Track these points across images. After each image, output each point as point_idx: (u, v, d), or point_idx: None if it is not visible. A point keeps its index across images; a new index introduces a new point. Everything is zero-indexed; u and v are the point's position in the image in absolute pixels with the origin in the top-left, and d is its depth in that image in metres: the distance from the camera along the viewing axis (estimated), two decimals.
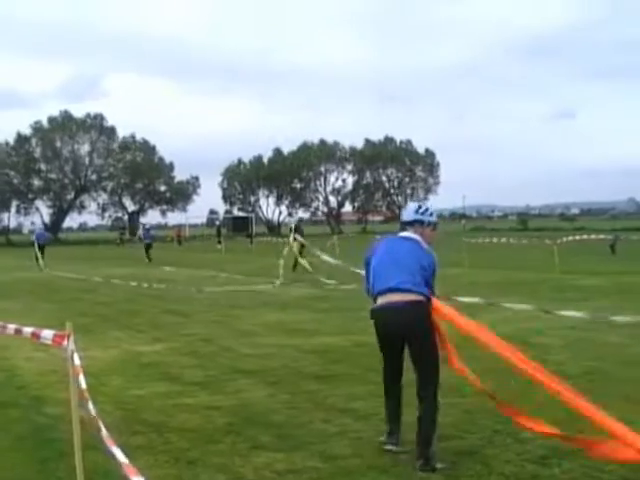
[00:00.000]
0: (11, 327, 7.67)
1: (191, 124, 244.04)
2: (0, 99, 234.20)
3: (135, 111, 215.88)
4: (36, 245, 40.52)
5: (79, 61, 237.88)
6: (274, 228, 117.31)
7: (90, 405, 5.27)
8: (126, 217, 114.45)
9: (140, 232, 49.23)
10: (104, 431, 4.91)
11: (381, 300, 6.42)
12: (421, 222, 6.66)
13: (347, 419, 7.77)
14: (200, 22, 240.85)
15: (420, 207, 6.78)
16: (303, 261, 28.98)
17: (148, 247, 43.69)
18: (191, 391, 9.20)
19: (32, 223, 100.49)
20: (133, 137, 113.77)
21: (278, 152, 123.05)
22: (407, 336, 6.33)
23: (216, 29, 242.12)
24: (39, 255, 39.12)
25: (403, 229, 6.76)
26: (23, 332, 6.97)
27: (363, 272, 6.97)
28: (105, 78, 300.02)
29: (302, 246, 30.25)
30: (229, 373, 10.22)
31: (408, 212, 6.76)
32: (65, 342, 5.41)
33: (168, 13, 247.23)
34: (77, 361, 5.29)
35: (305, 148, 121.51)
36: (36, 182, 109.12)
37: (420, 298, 6.26)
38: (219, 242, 61.51)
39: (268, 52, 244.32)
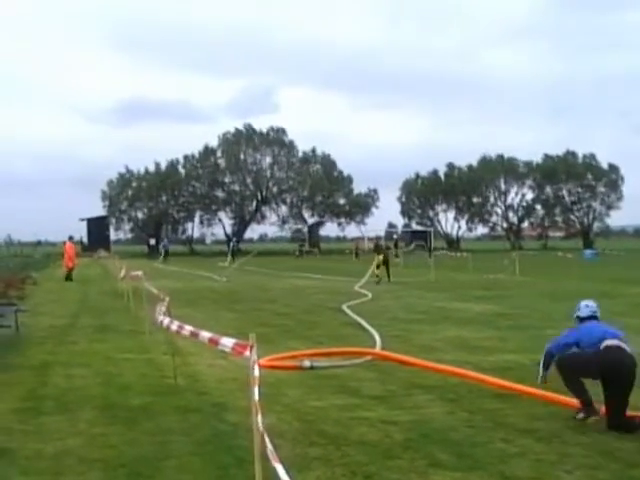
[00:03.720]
0: (188, 328, 8.00)
1: (367, 137, 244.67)
2: (175, 113, 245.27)
3: (308, 124, 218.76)
4: (163, 252, 71.67)
5: (250, 75, 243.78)
6: (453, 242, 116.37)
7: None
8: (306, 229, 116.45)
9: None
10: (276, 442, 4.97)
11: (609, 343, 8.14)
12: (597, 318, 8.69)
13: (528, 440, 7.56)
14: (371, 36, 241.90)
15: (590, 305, 8.76)
16: (377, 271, 35.15)
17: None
18: (369, 404, 9.21)
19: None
20: (314, 151, 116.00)
21: (452, 166, 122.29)
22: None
23: (387, 44, 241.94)
24: (162, 259, 68.03)
25: (587, 320, 8.67)
26: (200, 336, 7.22)
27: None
28: (276, 92, 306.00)
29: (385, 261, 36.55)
30: (408, 388, 10.18)
31: (584, 310, 8.72)
32: (247, 352, 5.51)
33: (338, 27, 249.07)
34: (257, 372, 5.37)
35: (484, 162, 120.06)
36: (220, 194, 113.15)
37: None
38: (396, 256, 61.59)
39: (440, 66, 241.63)
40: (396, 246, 73.78)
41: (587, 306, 8.78)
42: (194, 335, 7.62)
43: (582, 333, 8.45)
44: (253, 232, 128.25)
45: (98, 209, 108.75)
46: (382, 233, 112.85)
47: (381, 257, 35.64)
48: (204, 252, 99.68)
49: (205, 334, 7.05)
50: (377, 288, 29.97)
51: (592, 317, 8.68)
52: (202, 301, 24.94)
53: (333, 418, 8.54)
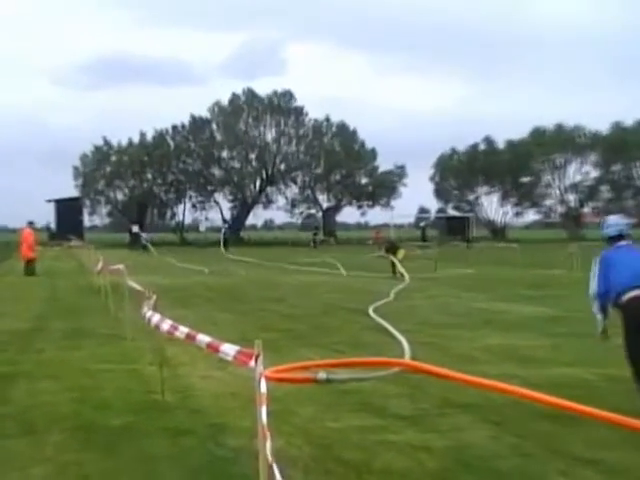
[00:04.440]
0: (183, 330, 7.98)
1: (393, 104, 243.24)
2: (162, 74, 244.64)
3: (322, 88, 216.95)
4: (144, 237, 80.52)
5: (251, 29, 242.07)
6: (498, 231, 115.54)
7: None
8: (320, 214, 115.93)
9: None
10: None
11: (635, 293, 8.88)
12: (624, 236, 9.58)
13: (589, 471, 7.53)
14: None
15: (619, 223, 9.70)
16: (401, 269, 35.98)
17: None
18: (397, 426, 9.19)
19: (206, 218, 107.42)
20: (328, 120, 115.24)
21: (495, 140, 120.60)
22: None
23: None
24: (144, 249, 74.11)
25: (615, 240, 9.62)
26: (197, 340, 7.21)
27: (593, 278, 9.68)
28: (282, 48, 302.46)
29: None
30: (443, 407, 10.16)
31: (613, 229, 9.62)
32: (252, 362, 5.48)
33: None
34: (264, 387, 5.34)
35: (538, 134, 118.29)
36: (216, 171, 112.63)
37: None
38: (426, 246, 61.56)
39: (483, 18, 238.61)
40: (423, 236, 73.57)
41: (617, 224, 9.88)
42: (190, 338, 7.61)
43: (609, 280, 9.28)
44: (257, 218, 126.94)
45: (69, 189, 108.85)
46: (412, 219, 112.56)
47: (403, 251, 37.28)
48: (198, 241, 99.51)
49: (203, 338, 7.05)
50: (404, 286, 29.95)
51: (620, 236, 9.74)
52: (195, 300, 24.99)
53: (353, 442, 8.53)
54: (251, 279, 35.00)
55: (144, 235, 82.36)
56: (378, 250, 46.13)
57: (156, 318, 9.61)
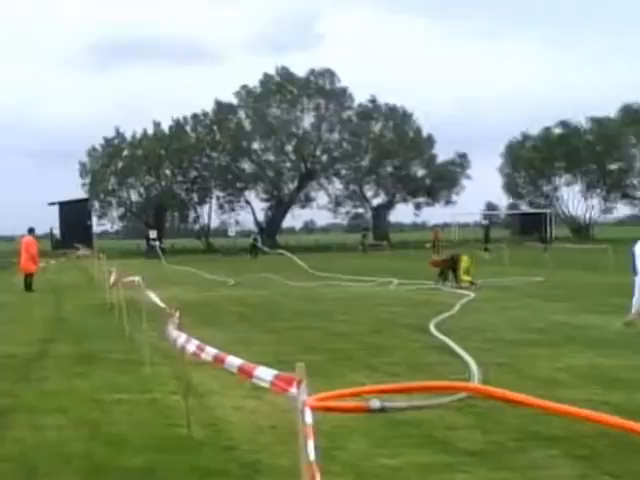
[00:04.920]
0: (210, 351, 7.95)
1: (453, 81, 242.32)
2: (180, 53, 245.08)
3: (367, 65, 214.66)
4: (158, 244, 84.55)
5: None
6: (581, 229, 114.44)
7: None
8: (369, 214, 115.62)
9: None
10: None
11: None
12: None
13: None
14: None
15: None
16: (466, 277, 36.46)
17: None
18: (465, 463, 9.12)
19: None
20: (374, 101, 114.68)
21: (568, 122, 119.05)
22: None
23: None
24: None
25: None
26: (226, 363, 7.17)
27: None
28: (319, 19, 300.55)
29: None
30: (520, 439, 10.06)
31: None
32: (293, 389, 5.44)
33: None
34: (309, 418, 5.29)
35: (628, 112, 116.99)
36: (246, 166, 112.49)
37: None
38: (486, 249, 61.44)
39: None
40: (486, 237, 73.23)
41: None
42: (218, 361, 7.60)
43: None
44: (295, 219, 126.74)
45: (75, 189, 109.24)
46: (477, 217, 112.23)
47: (466, 259, 36.72)
48: (226, 248, 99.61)
49: (233, 360, 7.01)
50: (473, 296, 29.84)
51: None
52: (224, 317, 25.02)
53: None
54: (287, 291, 35.01)
55: (157, 243, 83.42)
56: (433, 264, 42.88)
57: (182, 339, 9.59)
